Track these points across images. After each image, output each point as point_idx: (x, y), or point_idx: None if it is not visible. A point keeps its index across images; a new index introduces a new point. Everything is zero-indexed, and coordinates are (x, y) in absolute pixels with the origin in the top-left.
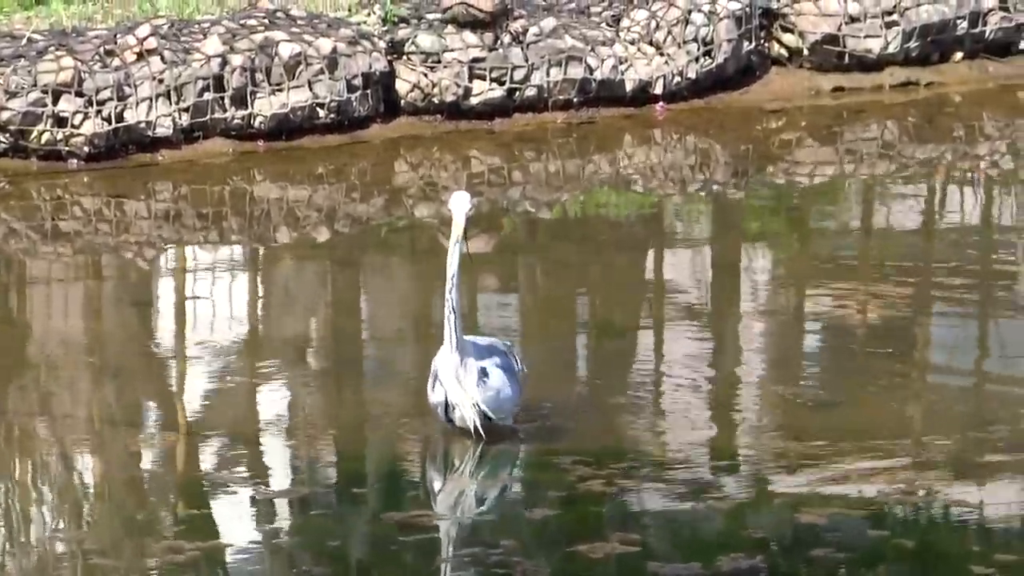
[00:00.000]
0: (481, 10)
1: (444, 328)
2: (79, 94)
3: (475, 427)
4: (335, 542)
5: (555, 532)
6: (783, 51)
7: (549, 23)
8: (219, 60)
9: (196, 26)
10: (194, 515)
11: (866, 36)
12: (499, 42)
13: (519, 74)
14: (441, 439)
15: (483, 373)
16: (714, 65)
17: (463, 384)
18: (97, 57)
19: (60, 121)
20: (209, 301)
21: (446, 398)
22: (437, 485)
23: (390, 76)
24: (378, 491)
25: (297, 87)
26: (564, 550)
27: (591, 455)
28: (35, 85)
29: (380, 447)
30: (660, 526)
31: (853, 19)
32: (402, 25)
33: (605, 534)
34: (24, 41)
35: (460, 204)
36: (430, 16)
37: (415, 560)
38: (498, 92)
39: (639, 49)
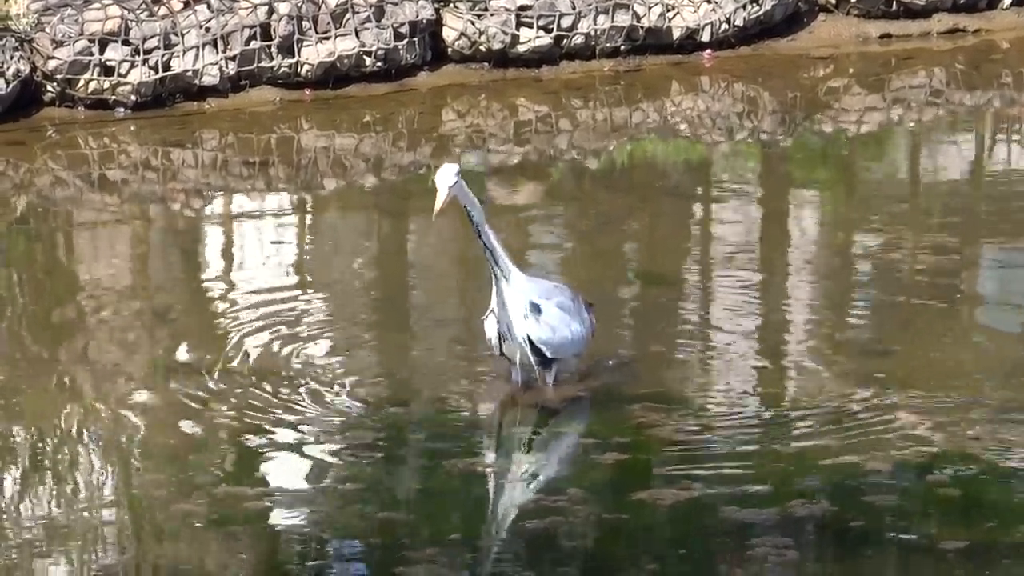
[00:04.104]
0: None
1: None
2: (126, 43)
3: (524, 362)
4: (395, 490)
5: (620, 478)
6: None
7: None
8: (266, 8)
9: None
10: (248, 462)
11: None
12: None
13: (566, 22)
14: (502, 384)
15: (535, 308)
16: (761, 12)
17: (512, 316)
18: (144, 6)
19: (107, 70)
20: (256, 249)
21: (499, 330)
22: (500, 432)
23: (437, 24)
24: (438, 438)
25: (344, 35)
26: (628, 497)
27: (652, 402)
28: (82, 34)
29: (437, 393)
30: (725, 472)
31: None
32: None
33: (670, 480)
34: None
35: (444, 177)
36: None
37: (478, 508)
38: (545, 40)
39: None
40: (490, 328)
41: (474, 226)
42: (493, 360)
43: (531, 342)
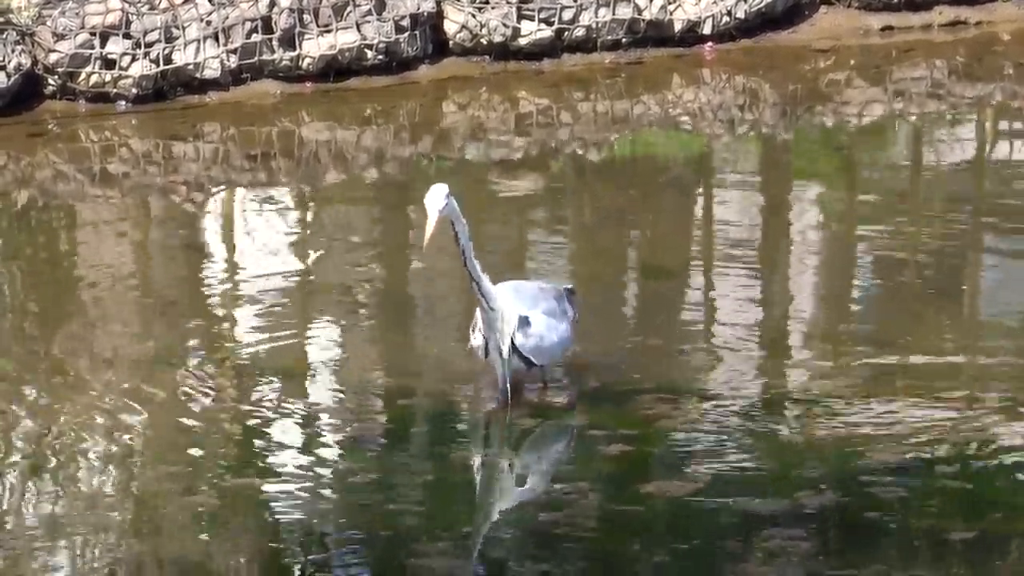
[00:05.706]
0: None
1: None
2: (127, 36)
3: (509, 370)
4: (403, 482)
5: (627, 470)
6: None
7: None
8: (267, 1)
9: None
10: (254, 454)
11: None
12: None
13: (568, 14)
14: (504, 380)
15: (524, 321)
16: (763, 4)
17: (502, 332)
18: None
19: (108, 63)
20: (258, 242)
21: (485, 343)
22: (506, 424)
23: (438, 17)
24: (445, 430)
25: (345, 28)
26: (636, 489)
27: (658, 394)
28: (83, 27)
29: (443, 386)
30: (732, 463)
31: None
32: None
33: (677, 472)
34: None
35: (434, 200)
36: None
37: (485, 500)
38: (547, 33)
39: None
40: (476, 341)
41: (460, 249)
42: (474, 356)
43: (519, 352)
